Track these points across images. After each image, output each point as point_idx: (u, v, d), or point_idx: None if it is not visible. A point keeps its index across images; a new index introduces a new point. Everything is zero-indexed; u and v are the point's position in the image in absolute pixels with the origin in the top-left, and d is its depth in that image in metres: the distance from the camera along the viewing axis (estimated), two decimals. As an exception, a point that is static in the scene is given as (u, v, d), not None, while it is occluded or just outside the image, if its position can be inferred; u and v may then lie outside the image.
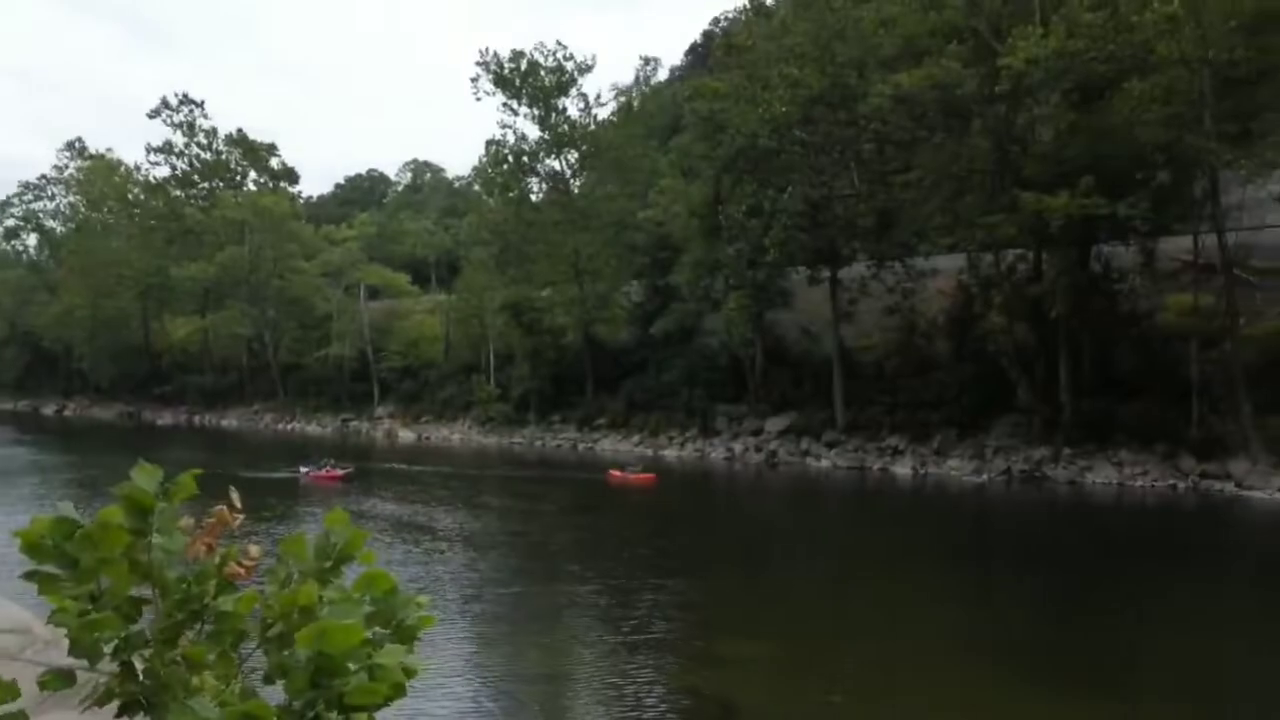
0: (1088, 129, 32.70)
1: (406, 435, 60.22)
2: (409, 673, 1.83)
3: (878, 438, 40.57)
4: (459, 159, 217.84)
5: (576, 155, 56.69)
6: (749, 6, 51.90)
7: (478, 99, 56.61)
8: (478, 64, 55.23)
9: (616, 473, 36.85)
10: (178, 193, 78.41)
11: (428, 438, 58.60)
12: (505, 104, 55.86)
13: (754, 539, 26.92)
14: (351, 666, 1.77)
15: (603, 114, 58.54)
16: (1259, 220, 33.18)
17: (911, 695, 13.32)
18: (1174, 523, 28.29)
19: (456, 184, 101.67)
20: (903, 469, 38.46)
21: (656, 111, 63.69)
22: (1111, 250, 35.03)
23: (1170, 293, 36.84)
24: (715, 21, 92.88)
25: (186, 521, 1.88)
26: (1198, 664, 14.64)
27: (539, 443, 53.82)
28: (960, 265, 39.47)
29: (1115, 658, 15.01)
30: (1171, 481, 31.83)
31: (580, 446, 51.49)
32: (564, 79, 55.08)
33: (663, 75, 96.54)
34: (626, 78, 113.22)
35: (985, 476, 35.71)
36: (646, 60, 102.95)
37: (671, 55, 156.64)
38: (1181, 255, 35.53)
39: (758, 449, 44.06)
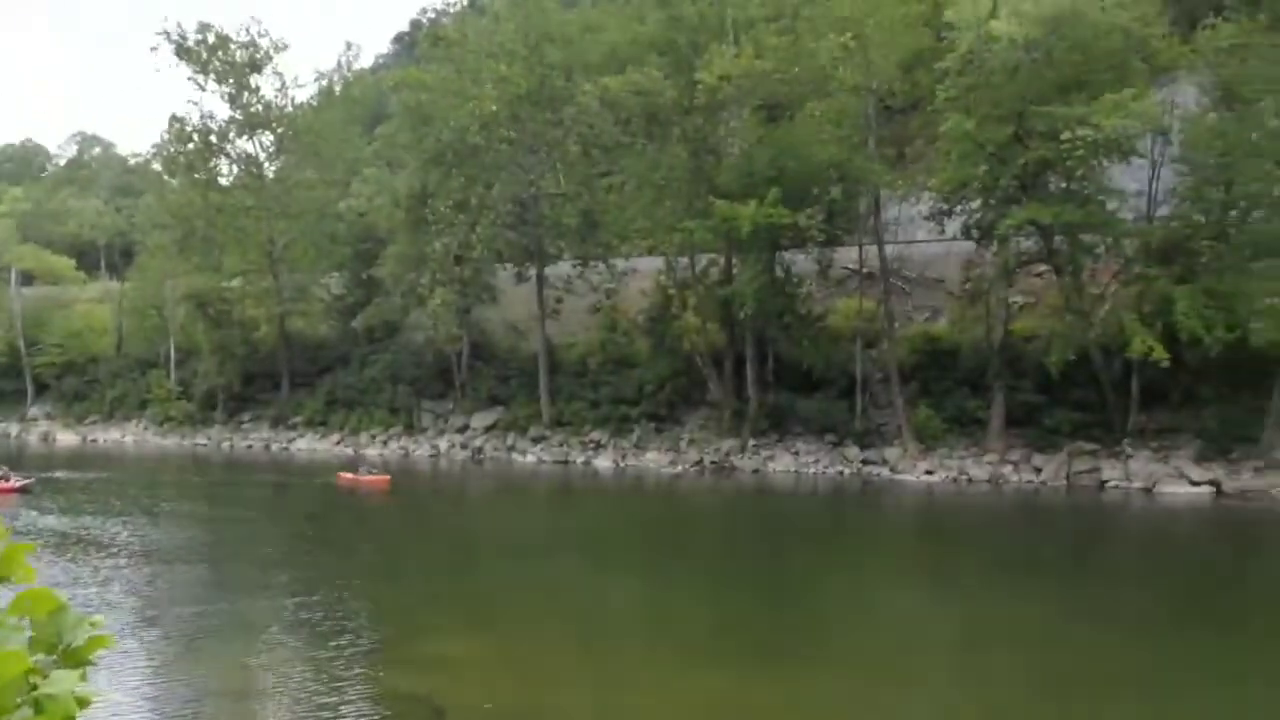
0: (773, 144, 35.28)
1: (68, 438, 53.49)
2: (82, 702, 1.48)
3: (581, 433, 41.37)
4: (134, 134, 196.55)
5: (272, 138, 53.02)
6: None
7: (158, 70, 51.56)
8: (159, 34, 50.16)
9: (348, 475, 34.19)
10: None
11: (95, 440, 52.47)
12: (191, 78, 51.20)
13: (459, 537, 26.42)
14: (17, 700, 1.41)
15: (302, 96, 55.33)
16: (911, 235, 37.45)
17: (615, 684, 13.46)
18: (839, 505, 31.18)
19: (131, 161, 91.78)
20: (605, 462, 39.48)
21: (360, 98, 61.07)
22: (792, 258, 37.94)
23: (840, 297, 40.64)
24: (423, 11, 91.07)
25: None
26: (860, 629, 16.07)
27: (227, 444, 49.88)
28: (660, 266, 41.19)
29: (805, 630, 16.13)
30: (840, 468, 35.06)
31: (274, 447, 48.31)
32: (258, 56, 51.34)
33: (367, 62, 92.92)
34: (330, 63, 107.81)
35: (680, 467, 37.47)
36: (349, 45, 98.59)
37: (378, 43, 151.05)
38: (849, 264, 39.29)
39: (464, 446, 43.48)
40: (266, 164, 53.52)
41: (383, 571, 21.01)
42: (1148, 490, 29.60)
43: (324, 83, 64.98)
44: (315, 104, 55.79)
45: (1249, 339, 27.84)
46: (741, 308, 34.88)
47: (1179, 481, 29.46)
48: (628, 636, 16.28)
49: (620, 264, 42.49)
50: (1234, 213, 30.60)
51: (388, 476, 34.30)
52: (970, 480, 32.43)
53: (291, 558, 22.80)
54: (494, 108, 39.26)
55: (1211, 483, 29.19)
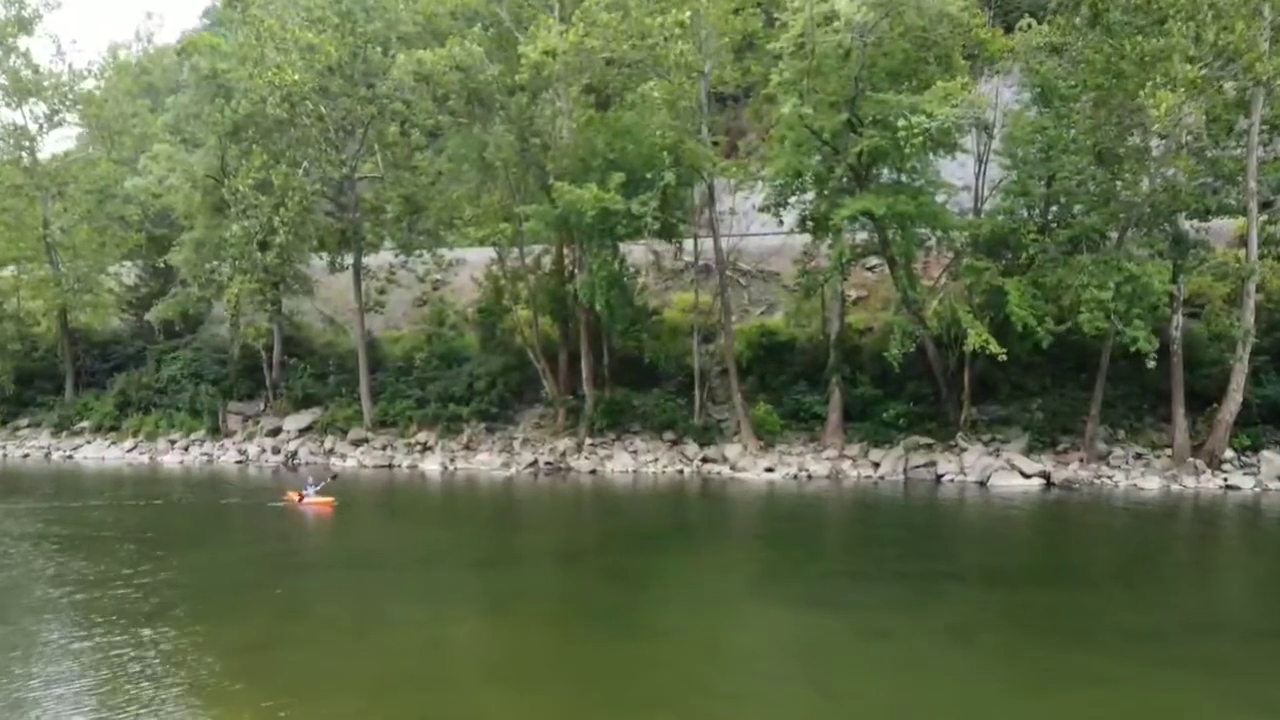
0: (605, 127, 31.05)
1: None
2: None
3: (407, 434, 36.09)
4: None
5: (45, 109, 44.06)
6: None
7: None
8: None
9: (293, 495, 26.31)
10: None
11: None
12: (-62, 35, 41.64)
13: (254, 558, 20.89)
14: None
15: (81, 62, 46.38)
16: (745, 228, 34.10)
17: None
18: (680, 507, 27.36)
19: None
20: (432, 465, 34.45)
21: (159, 73, 52.12)
22: (627, 248, 34.00)
23: (676, 290, 37.17)
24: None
25: None
26: (710, 652, 13.15)
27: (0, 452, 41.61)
28: (490, 257, 36.37)
29: (652, 658, 13.02)
30: (679, 467, 31.50)
31: (55, 455, 40.30)
32: (24, 14, 42.36)
33: (171, 37, 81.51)
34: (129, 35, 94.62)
35: (514, 469, 33.00)
36: (149, 15, 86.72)
37: (186, 18, 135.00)
38: (684, 256, 35.83)
39: (276, 450, 37.21)
40: (39, 137, 44.50)
41: (152, 602, 15.76)
42: (982, 483, 27.52)
43: (113, 51, 55.00)
44: (99, 72, 46.70)
45: (1078, 329, 26.14)
46: (591, 300, 30.45)
47: (1011, 474, 27.56)
48: (460, 667, 12.91)
49: (447, 254, 37.24)
50: (1055, 207, 28.99)
51: (332, 497, 26.24)
52: (810, 476, 29.59)
53: (53, 586, 17.07)
54: (296, 77, 32.95)
55: (1041, 474, 27.44)
